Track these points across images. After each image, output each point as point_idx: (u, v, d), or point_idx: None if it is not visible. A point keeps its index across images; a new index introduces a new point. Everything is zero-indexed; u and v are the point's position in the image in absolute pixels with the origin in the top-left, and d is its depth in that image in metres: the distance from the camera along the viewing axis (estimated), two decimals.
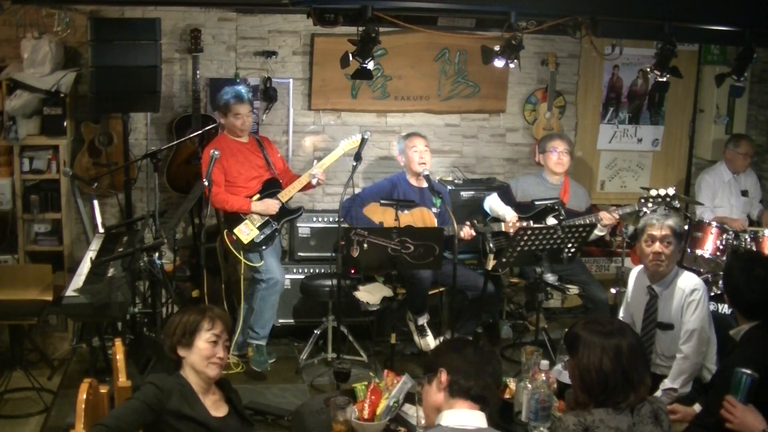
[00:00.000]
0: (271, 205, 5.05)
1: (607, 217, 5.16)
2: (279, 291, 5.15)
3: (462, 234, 4.91)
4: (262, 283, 5.06)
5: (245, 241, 4.97)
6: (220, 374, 2.95)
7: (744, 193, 6.01)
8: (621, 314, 4.23)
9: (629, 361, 2.50)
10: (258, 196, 5.06)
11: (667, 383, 3.75)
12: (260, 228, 5.02)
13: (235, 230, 4.97)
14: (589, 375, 2.49)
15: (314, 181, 5.12)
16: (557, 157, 5.39)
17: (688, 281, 3.85)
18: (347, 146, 5.21)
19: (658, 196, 4.97)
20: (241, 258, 4.99)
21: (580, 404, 2.53)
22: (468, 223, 5.01)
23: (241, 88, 5.16)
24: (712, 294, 5.12)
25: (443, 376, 2.52)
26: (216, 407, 2.94)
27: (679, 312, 3.83)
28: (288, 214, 5.22)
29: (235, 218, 4.98)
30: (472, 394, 2.48)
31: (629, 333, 2.60)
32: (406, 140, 5.28)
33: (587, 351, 2.51)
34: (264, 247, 5.05)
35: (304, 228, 5.68)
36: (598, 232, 5.27)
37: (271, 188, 5.13)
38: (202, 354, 2.87)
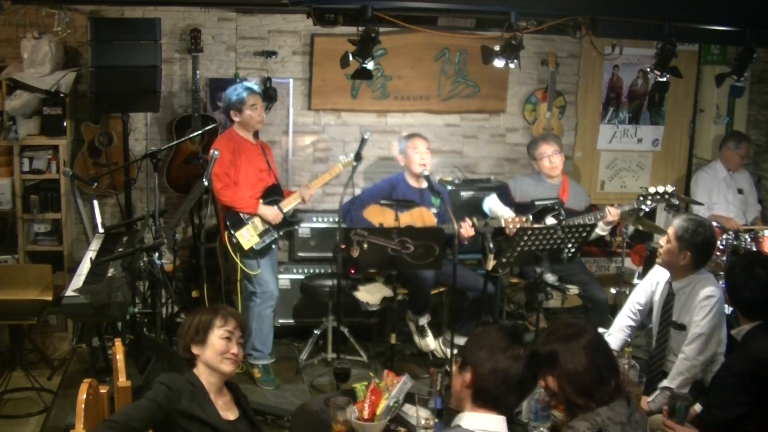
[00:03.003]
0: (276, 215, 5.01)
1: (613, 213, 5.10)
2: (273, 306, 5.12)
3: (462, 232, 4.90)
4: (255, 297, 5.02)
5: (245, 247, 4.94)
6: (235, 372, 2.95)
7: (739, 191, 6.03)
8: (635, 302, 4.20)
9: (605, 348, 2.62)
10: (260, 201, 5.04)
11: (664, 382, 3.76)
12: (261, 235, 5.00)
13: (237, 234, 4.93)
14: (581, 378, 2.50)
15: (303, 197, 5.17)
16: (549, 161, 5.37)
17: (705, 287, 3.81)
18: (336, 170, 5.23)
19: (657, 193, 4.98)
20: (239, 262, 4.97)
21: (580, 408, 2.52)
22: (467, 219, 5.00)
23: (246, 82, 5.16)
24: None
25: (467, 376, 2.45)
26: (227, 409, 2.93)
27: (693, 315, 3.83)
28: (287, 224, 5.20)
29: (238, 221, 4.95)
30: (495, 404, 2.42)
31: (590, 327, 2.71)
32: (408, 141, 5.27)
33: (569, 358, 2.52)
34: (262, 256, 5.02)
35: (304, 228, 5.69)
36: (599, 231, 5.26)
37: (272, 195, 5.10)
38: (216, 349, 2.86)
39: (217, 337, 2.88)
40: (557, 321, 4.36)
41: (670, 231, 3.88)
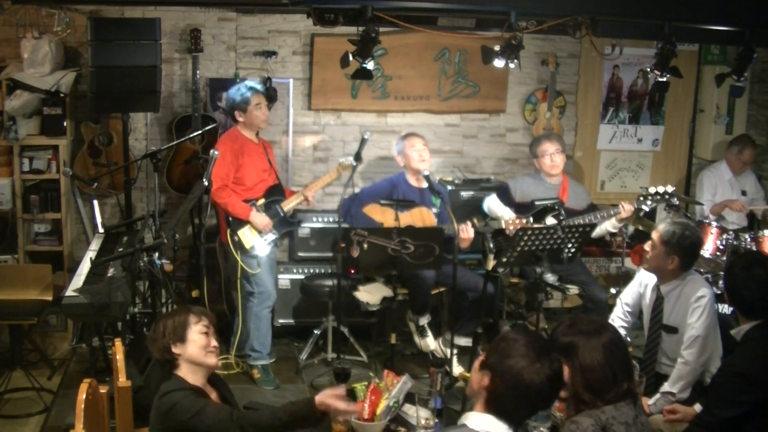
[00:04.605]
0: (266, 225, 4.97)
1: (627, 209, 5.07)
2: (270, 306, 5.13)
3: (461, 235, 4.90)
4: (253, 298, 5.02)
5: (247, 246, 4.94)
6: (218, 364, 2.98)
7: (743, 193, 6.04)
8: (624, 304, 4.21)
9: (624, 350, 2.60)
10: (263, 200, 5.04)
11: (666, 387, 3.74)
12: (262, 234, 5.01)
13: (239, 232, 4.94)
14: (594, 374, 2.50)
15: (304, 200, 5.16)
16: (550, 159, 5.36)
17: (694, 287, 3.81)
18: (337, 172, 5.24)
19: (657, 193, 4.98)
20: (239, 260, 4.97)
21: (585, 405, 2.52)
22: (469, 222, 5.00)
23: (248, 81, 5.15)
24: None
25: (485, 379, 2.34)
26: None
27: (684, 317, 3.82)
28: (288, 224, 5.21)
29: (240, 220, 4.95)
30: (506, 414, 2.31)
31: (611, 326, 2.69)
32: (405, 140, 5.28)
33: (587, 352, 2.52)
34: (263, 255, 5.01)
35: (304, 228, 5.69)
36: (611, 228, 5.25)
37: (274, 195, 5.11)
38: (198, 344, 2.89)
39: (196, 332, 2.91)
40: (580, 315, 4.35)
41: (655, 236, 3.86)
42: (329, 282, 5.20)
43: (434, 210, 5.25)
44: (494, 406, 2.33)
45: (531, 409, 2.36)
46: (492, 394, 2.32)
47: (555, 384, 2.33)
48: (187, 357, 2.89)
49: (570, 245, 4.59)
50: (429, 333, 5.22)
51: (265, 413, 2.81)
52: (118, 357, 3.14)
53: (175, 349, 2.89)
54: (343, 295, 4.99)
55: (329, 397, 2.72)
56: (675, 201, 4.99)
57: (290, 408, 2.79)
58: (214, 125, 5.53)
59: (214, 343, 2.93)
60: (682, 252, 3.80)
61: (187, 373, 2.89)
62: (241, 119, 5.00)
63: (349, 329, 5.36)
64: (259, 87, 5.11)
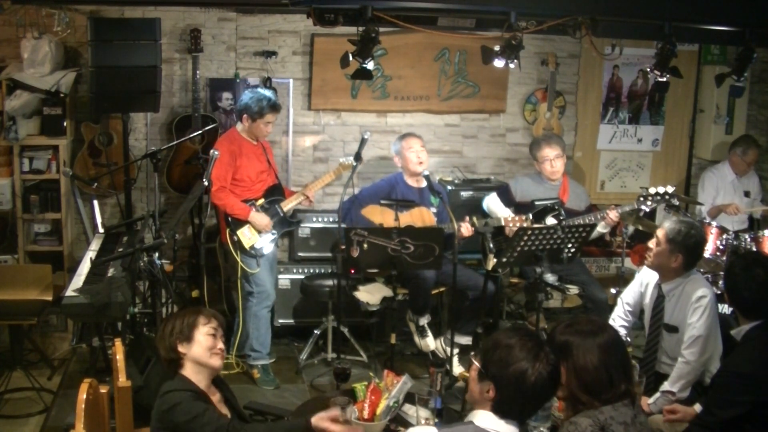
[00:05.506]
0: (265, 224, 5.01)
1: (612, 216, 5.10)
2: (269, 306, 5.14)
3: (461, 231, 4.90)
4: (252, 297, 5.04)
5: (246, 245, 4.96)
6: (222, 366, 2.98)
7: (746, 194, 6.03)
8: (625, 303, 4.21)
9: (622, 351, 2.59)
10: (262, 200, 5.05)
11: (666, 386, 3.75)
12: (261, 234, 5.01)
13: (238, 232, 4.96)
14: (590, 375, 2.50)
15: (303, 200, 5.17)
16: (550, 165, 5.37)
17: (695, 287, 3.81)
18: (337, 172, 5.27)
19: (657, 193, 4.98)
20: (239, 259, 4.97)
21: (583, 405, 2.52)
22: (467, 218, 5.00)
23: (272, 95, 5.09)
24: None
25: (490, 390, 2.35)
26: (219, 408, 2.94)
27: (685, 317, 3.82)
28: (288, 224, 5.22)
29: (239, 220, 4.97)
30: (514, 416, 2.36)
31: (610, 327, 2.68)
32: (402, 141, 5.27)
33: (583, 353, 2.52)
34: (262, 255, 5.03)
35: (304, 228, 5.70)
36: (600, 229, 5.26)
37: (274, 194, 5.13)
38: (204, 345, 2.90)
39: (203, 333, 2.92)
40: (581, 317, 4.33)
41: (660, 233, 3.87)
42: (329, 282, 5.20)
43: (433, 209, 5.25)
44: (501, 410, 2.36)
45: (537, 405, 2.42)
46: (499, 401, 2.35)
47: (555, 376, 2.38)
48: (191, 357, 2.89)
49: (570, 245, 4.59)
50: (429, 333, 5.22)
51: (260, 428, 2.90)
52: (118, 357, 3.14)
53: (180, 348, 2.90)
54: (343, 295, 4.99)
55: (325, 421, 2.68)
56: (675, 201, 4.99)
57: (286, 426, 2.85)
58: (214, 125, 5.53)
59: (220, 345, 2.94)
60: (686, 251, 3.81)
61: (191, 373, 2.89)
62: (245, 123, 5.01)
63: (349, 329, 5.36)
64: (278, 104, 5.08)
